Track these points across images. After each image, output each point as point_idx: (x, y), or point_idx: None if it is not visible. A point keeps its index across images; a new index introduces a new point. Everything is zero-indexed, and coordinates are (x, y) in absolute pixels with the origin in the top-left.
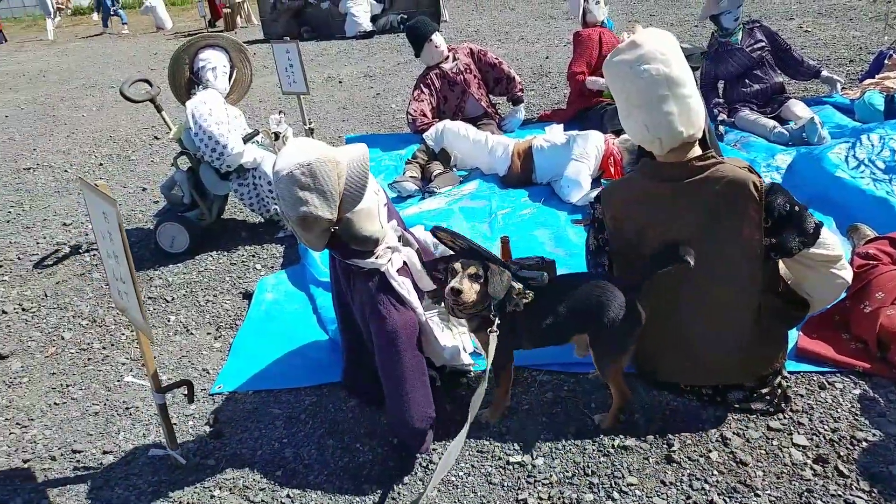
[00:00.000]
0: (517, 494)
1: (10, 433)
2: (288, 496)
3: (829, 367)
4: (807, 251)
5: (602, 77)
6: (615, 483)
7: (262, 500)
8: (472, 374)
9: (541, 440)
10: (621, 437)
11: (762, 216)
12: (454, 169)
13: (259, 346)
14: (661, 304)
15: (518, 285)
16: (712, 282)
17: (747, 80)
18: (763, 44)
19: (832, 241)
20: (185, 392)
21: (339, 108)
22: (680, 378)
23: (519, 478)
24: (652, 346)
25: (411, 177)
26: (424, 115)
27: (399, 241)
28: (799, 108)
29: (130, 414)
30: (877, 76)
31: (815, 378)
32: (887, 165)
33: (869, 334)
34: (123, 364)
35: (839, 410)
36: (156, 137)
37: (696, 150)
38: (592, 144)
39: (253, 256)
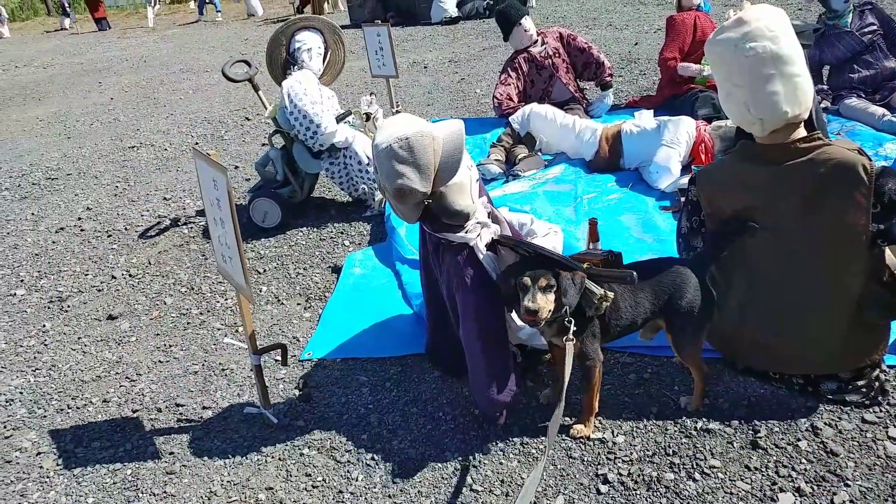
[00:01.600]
0: (597, 469)
1: (121, 385)
2: (372, 458)
3: None
4: None
5: (695, 63)
6: (697, 464)
7: (348, 461)
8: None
9: (622, 419)
10: (704, 419)
11: (871, 201)
12: (539, 153)
13: (347, 317)
14: (751, 289)
15: (598, 290)
16: (812, 267)
17: (856, 66)
18: (875, 27)
19: None
20: (279, 355)
21: (424, 93)
22: (770, 365)
23: (599, 453)
24: (742, 331)
25: (496, 160)
26: (510, 99)
27: (489, 217)
28: None
29: (226, 375)
30: None
31: None
32: None
33: None
34: (219, 329)
35: None
36: (247, 118)
37: (801, 132)
38: (684, 130)
39: (341, 233)
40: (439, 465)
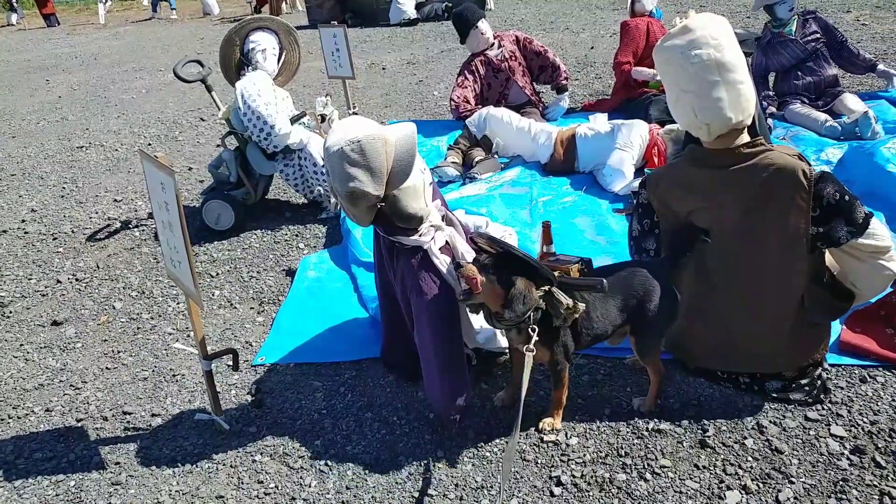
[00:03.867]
0: (550, 472)
1: (65, 394)
2: (326, 464)
3: (872, 361)
4: (855, 241)
5: (648, 67)
6: (648, 464)
7: (301, 467)
8: (507, 355)
9: (575, 421)
10: (655, 420)
11: (810, 205)
12: (496, 156)
13: (301, 322)
14: (700, 291)
15: (566, 300)
16: (755, 269)
17: (800, 73)
18: (818, 35)
19: (882, 232)
20: (231, 361)
21: (382, 95)
22: (717, 364)
23: (553, 455)
24: (690, 332)
25: (453, 162)
26: (467, 102)
27: (442, 220)
28: (852, 102)
29: (177, 381)
30: None
31: (856, 371)
32: None
33: None
34: (170, 334)
35: (879, 404)
36: (201, 119)
37: (745, 137)
38: (637, 134)
39: (296, 236)
40: (394, 470)
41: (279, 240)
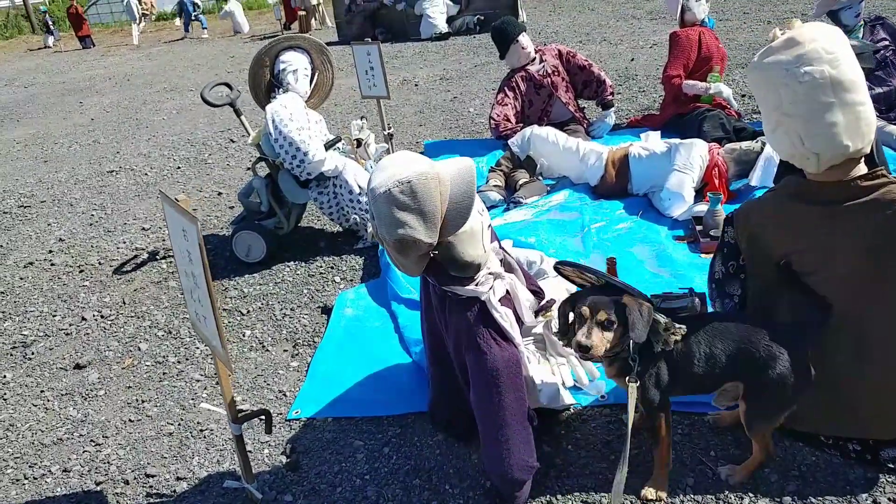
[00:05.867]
0: None
1: (84, 451)
2: None
3: None
4: None
5: (700, 80)
6: None
7: None
8: (572, 409)
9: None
10: (750, 495)
11: None
12: (540, 178)
13: (338, 368)
14: None
15: (663, 319)
16: (873, 321)
17: (869, 83)
18: (887, 42)
19: None
20: (263, 422)
21: (415, 112)
22: (821, 429)
23: None
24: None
25: (495, 185)
26: (508, 120)
27: (501, 265)
28: None
29: (205, 437)
30: None
31: None
32: None
33: None
34: (198, 381)
35: None
36: (231, 140)
37: (862, 168)
38: (697, 154)
39: (332, 268)
40: None
41: (314, 273)
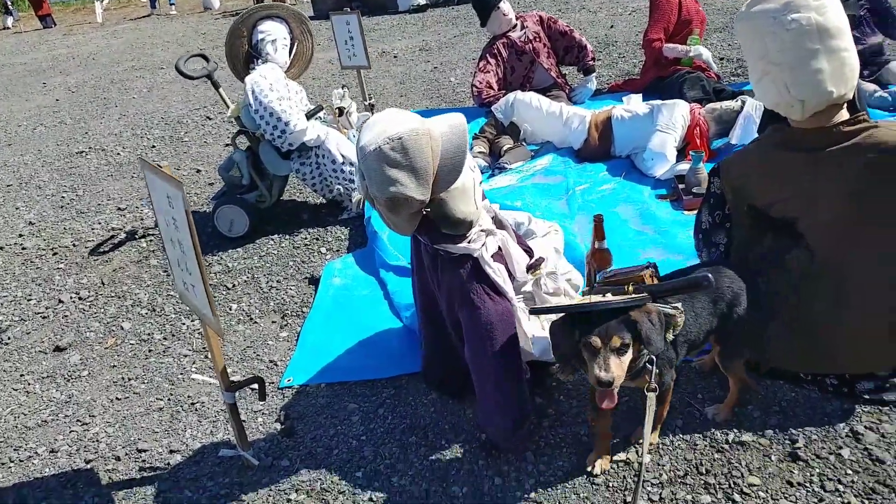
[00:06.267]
0: (625, 496)
1: (71, 431)
2: (370, 499)
3: None
4: None
5: (680, 44)
6: (734, 483)
7: None
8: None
9: (637, 434)
10: (736, 431)
11: None
12: (524, 143)
13: (329, 336)
14: (779, 288)
15: (666, 309)
16: (852, 262)
17: None
18: (861, 2)
19: None
20: (256, 390)
21: (396, 83)
22: (800, 366)
23: (625, 477)
24: (775, 329)
25: (479, 152)
26: (490, 87)
27: (493, 222)
28: None
29: (196, 409)
30: None
31: None
32: None
33: None
34: (186, 356)
35: None
36: (208, 118)
37: (844, 114)
38: (679, 114)
39: (317, 240)
40: (447, 502)
41: (298, 245)
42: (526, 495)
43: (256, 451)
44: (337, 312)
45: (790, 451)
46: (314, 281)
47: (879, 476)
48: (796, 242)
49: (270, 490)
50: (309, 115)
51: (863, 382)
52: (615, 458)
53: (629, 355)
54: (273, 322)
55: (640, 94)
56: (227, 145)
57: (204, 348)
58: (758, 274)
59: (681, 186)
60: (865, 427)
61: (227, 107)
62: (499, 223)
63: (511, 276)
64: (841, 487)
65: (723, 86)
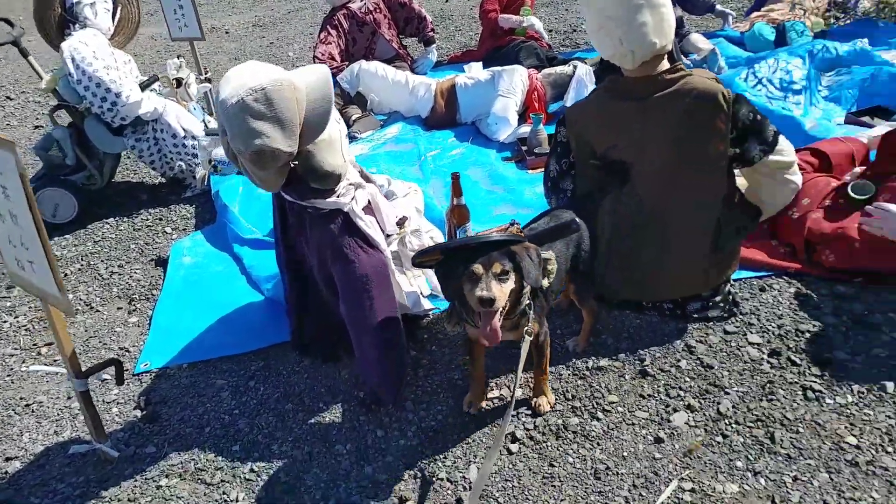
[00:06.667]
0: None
1: None
2: (252, 470)
3: (765, 270)
4: (766, 159)
5: (514, 14)
6: (597, 403)
7: (222, 481)
8: (431, 315)
9: (513, 373)
10: (594, 358)
11: (729, 127)
12: (371, 113)
13: (184, 316)
14: (619, 227)
15: (545, 252)
16: (678, 198)
17: None
18: None
19: (787, 148)
20: (114, 374)
21: (230, 60)
22: (642, 296)
23: (501, 413)
24: (610, 268)
25: None
26: (333, 59)
27: (360, 176)
28: (700, 41)
29: (33, 411)
30: (762, 9)
31: (755, 282)
32: (782, 85)
33: (797, 238)
34: (12, 355)
35: (781, 308)
36: (8, 98)
37: (665, 64)
38: (518, 79)
39: (160, 220)
40: (333, 462)
41: (139, 226)
42: (409, 443)
43: (115, 443)
44: (190, 292)
45: (640, 369)
46: (162, 262)
47: (710, 379)
48: (630, 191)
49: (136, 480)
50: (143, 87)
51: (691, 304)
52: (490, 395)
53: (510, 284)
54: (119, 308)
55: (481, 63)
56: (37, 127)
57: (35, 345)
58: (596, 219)
59: (524, 148)
60: (697, 341)
61: (41, 78)
62: (366, 177)
63: (381, 229)
64: (682, 393)
65: (554, 54)
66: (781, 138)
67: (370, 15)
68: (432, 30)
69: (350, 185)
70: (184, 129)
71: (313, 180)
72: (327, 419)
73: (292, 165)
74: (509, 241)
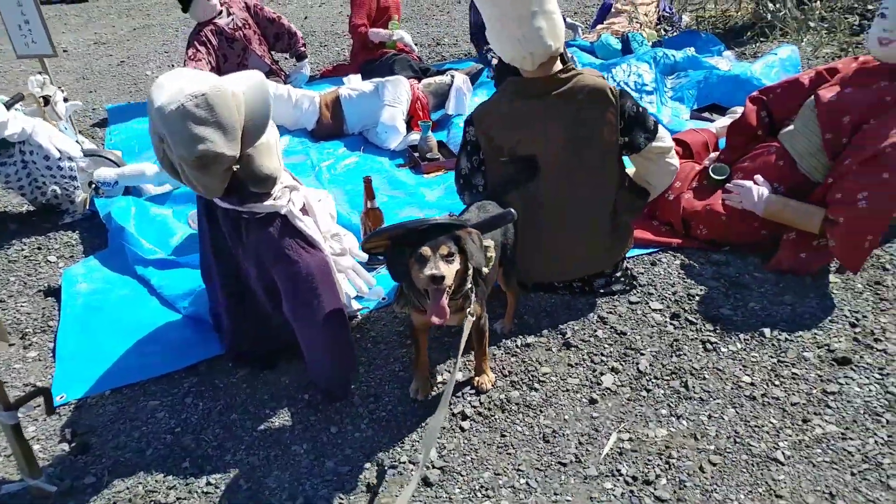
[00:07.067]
0: (452, 410)
1: None
2: (209, 483)
3: (653, 247)
4: (650, 146)
5: (383, 28)
6: (532, 376)
7: (178, 498)
8: (359, 316)
9: (451, 357)
10: (521, 336)
11: (618, 118)
12: None
13: (94, 343)
14: (529, 215)
15: (487, 241)
16: (578, 186)
17: None
18: None
19: (665, 135)
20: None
21: (77, 79)
22: (554, 277)
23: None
24: (524, 253)
25: None
26: None
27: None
28: None
29: None
30: (605, 22)
31: (646, 258)
32: (636, 87)
33: (674, 217)
34: None
35: (672, 278)
36: None
37: (559, 65)
38: (403, 89)
39: (39, 249)
40: (291, 461)
41: (15, 258)
42: (363, 434)
43: (49, 478)
44: (95, 318)
45: (564, 342)
46: (52, 292)
47: (626, 343)
48: (537, 182)
49: None
50: (8, 106)
51: (597, 280)
52: (432, 380)
53: (456, 265)
54: (12, 345)
55: (359, 75)
56: None
57: None
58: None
59: (416, 154)
60: (607, 312)
61: None
62: (296, 180)
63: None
64: (605, 358)
65: (427, 66)
66: (660, 127)
67: (240, 31)
68: (304, 44)
69: (285, 187)
70: (59, 150)
71: (253, 184)
72: (277, 423)
73: (235, 169)
74: (454, 226)
